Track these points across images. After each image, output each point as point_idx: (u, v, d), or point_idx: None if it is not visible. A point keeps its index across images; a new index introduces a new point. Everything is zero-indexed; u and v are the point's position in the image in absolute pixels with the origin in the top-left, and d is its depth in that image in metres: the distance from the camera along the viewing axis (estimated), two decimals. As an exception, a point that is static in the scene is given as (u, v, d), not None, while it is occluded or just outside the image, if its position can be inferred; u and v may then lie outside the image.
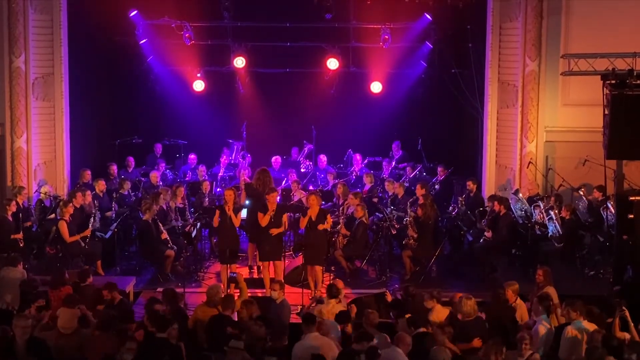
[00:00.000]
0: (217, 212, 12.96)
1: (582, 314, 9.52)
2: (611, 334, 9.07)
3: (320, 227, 12.74)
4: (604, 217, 13.81)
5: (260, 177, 13.86)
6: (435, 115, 18.97)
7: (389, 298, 11.25)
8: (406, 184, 16.27)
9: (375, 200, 15.65)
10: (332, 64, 18.14)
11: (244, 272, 13.46)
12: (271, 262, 12.95)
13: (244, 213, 13.66)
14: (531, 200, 14.98)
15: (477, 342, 9.58)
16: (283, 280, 12.28)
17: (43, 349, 8.96)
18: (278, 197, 13.94)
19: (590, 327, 9.39)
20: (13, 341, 8.90)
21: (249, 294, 11.48)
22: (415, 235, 13.87)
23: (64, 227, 13.60)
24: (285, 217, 13.12)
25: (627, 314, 9.66)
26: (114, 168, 16.87)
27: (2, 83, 15.82)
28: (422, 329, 9.56)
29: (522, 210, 14.73)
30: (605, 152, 12.02)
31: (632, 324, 9.64)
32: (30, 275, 12.28)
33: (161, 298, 10.56)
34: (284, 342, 9.91)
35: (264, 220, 12.72)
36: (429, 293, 10.53)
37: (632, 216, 11.75)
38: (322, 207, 13.35)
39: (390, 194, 15.57)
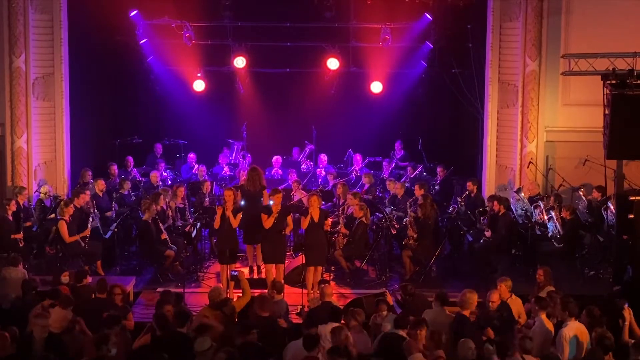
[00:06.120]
0: (219, 212, 12.92)
1: (574, 314, 9.52)
2: (606, 334, 9.06)
3: (326, 227, 12.75)
4: (605, 217, 13.81)
5: (250, 177, 13.86)
6: (436, 115, 19.02)
7: (389, 298, 11.24)
8: (407, 184, 16.27)
9: (371, 197, 15.59)
10: (332, 63, 18.16)
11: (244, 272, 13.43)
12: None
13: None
14: (531, 200, 14.98)
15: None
16: (283, 281, 12.29)
17: (61, 347, 9.01)
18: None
19: (582, 327, 9.40)
20: (30, 339, 8.95)
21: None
22: (415, 235, 13.87)
23: (63, 227, 13.60)
24: (289, 218, 13.06)
25: (625, 313, 9.68)
26: (114, 168, 16.89)
27: (2, 83, 15.82)
28: (400, 332, 9.45)
29: (522, 210, 14.73)
30: (605, 152, 12.01)
31: (627, 324, 9.65)
32: (30, 275, 12.28)
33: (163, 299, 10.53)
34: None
35: (268, 222, 12.67)
36: (435, 293, 10.44)
37: (632, 216, 11.74)
38: (322, 207, 13.33)
39: (390, 194, 15.58)
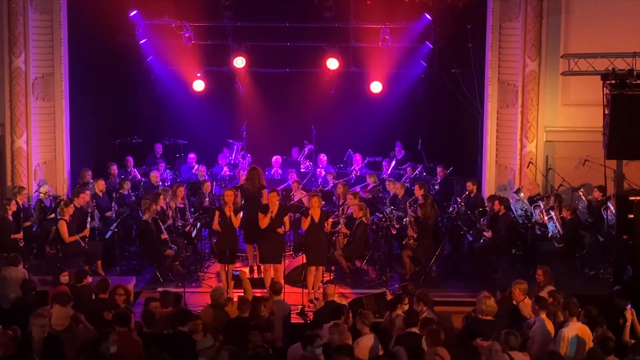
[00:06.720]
0: (217, 213, 12.93)
1: (575, 314, 9.52)
2: (607, 334, 9.06)
3: (327, 228, 12.75)
4: (605, 217, 13.81)
5: (250, 176, 13.87)
6: (436, 115, 19.03)
7: (389, 298, 11.23)
8: (407, 184, 16.28)
9: (371, 197, 15.59)
10: (332, 63, 18.17)
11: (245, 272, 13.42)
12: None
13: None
14: (531, 200, 14.99)
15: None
16: (283, 281, 12.27)
17: (59, 347, 8.99)
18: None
19: (584, 327, 9.40)
20: (30, 339, 8.95)
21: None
22: (415, 235, 13.87)
23: (63, 227, 13.60)
24: (286, 218, 13.07)
25: (627, 314, 9.68)
26: (114, 168, 16.89)
27: (2, 83, 15.81)
28: (413, 329, 9.51)
29: (522, 210, 14.74)
30: (605, 152, 12.01)
31: (629, 324, 9.66)
32: (30, 275, 12.28)
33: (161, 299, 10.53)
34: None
35: (264, 221, 12.66)
36: (417, 296, 10.35)
37: (632, 216, 11.74)
38: (322, 207, 13.33)
39: (391, 194, 15.58)
